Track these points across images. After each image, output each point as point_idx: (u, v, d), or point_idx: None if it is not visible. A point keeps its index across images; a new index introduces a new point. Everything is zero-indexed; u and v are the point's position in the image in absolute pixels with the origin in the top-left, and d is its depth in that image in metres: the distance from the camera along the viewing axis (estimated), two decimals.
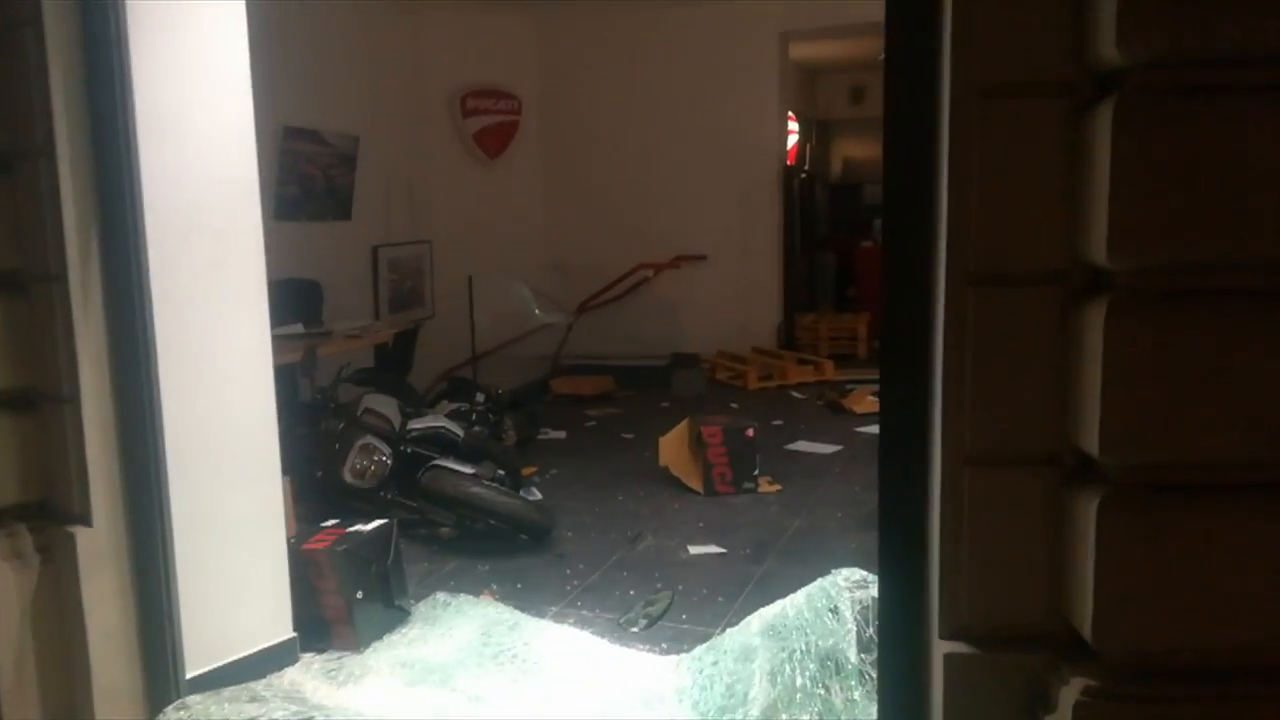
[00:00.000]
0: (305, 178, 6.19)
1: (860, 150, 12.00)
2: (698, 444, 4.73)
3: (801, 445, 5.52)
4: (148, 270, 2.64)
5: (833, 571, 2.39)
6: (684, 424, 4.90)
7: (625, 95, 8.31)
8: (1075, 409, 1.73)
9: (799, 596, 2.34)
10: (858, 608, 2.21)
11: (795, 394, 6.95)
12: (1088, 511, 1.68)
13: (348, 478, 4.14)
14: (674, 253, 8.18)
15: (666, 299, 8.18)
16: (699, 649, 2.81)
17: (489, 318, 7.46)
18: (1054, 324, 1.74)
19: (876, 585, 2.18)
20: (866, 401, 6.31)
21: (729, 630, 2.67)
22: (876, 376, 6.02)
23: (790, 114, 9.00)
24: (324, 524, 3.36)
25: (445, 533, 4.10)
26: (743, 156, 8.19)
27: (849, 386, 6.85)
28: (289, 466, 4.44)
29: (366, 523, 3.31)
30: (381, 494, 4.17)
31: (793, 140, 9.39)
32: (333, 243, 6.36)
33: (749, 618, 2.58)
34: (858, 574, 2.32)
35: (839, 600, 2.19)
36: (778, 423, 6.05)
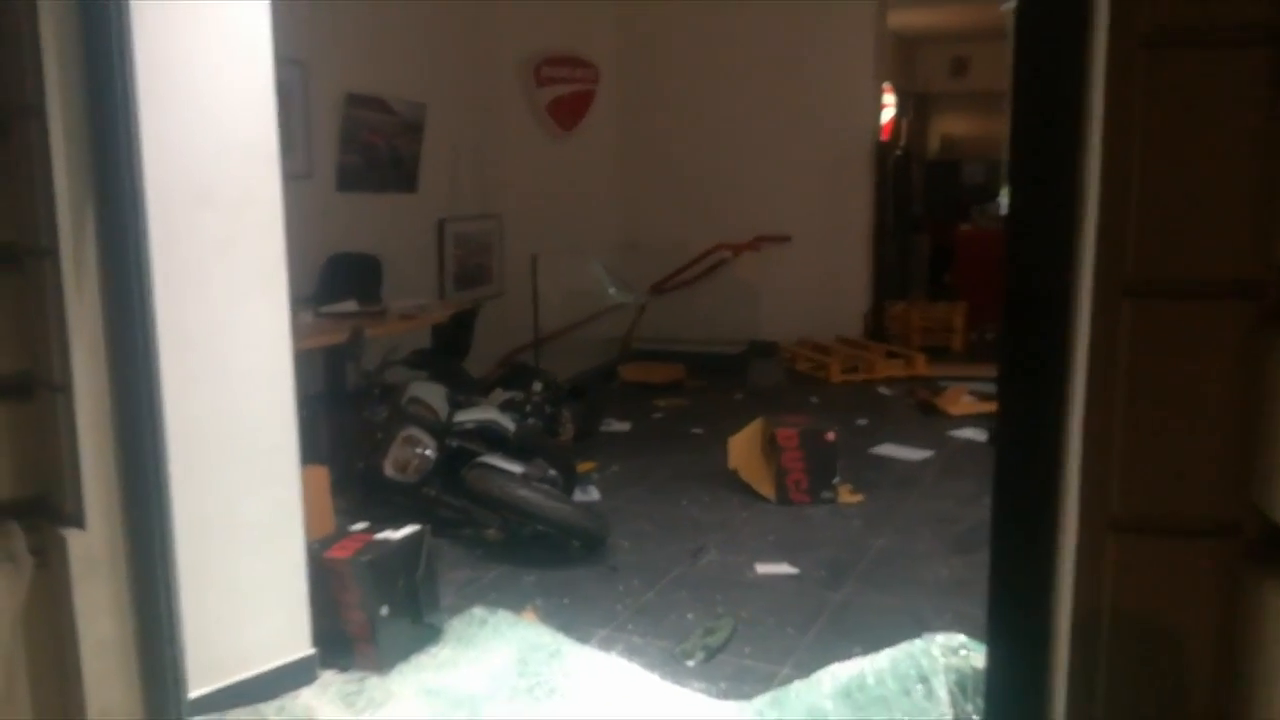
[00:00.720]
0: (368, 147, 5.92)
1: (960, 126, 11.30)
2: (771, 446, 4.31)
3: (888, 449, 5.05)
4: (147, 246, 2.34)
5: (925, 636, 1.96)
6: (757, 423, 4.48)
7: (707, 65, 7.85)
8: (1264, 464, 1.29)
9: (882, 660, 1.93)
10: (953, 679, 1.79)
11: (883, 390, 6.45)
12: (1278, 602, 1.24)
13: (389, 470, 3.85)
14: (755, 233, 7.71)
15: (746, 282, 7.72)
16: (761, 700, 2.41)
17: (557, 297, 7.13)
18: (1238, 350, 1.30)
19: (979, 657, 1.75)
20: (963, 402, 5.79)
21: (796, 684, 2.27)
22: (974, 373, 5.46)
23: (886, 86, 8.42)
24: (352, 528, 3.06)
25: (491, 535, 3.78)
26: (832, 130, 7.66)
27: (942, 384, 6.33)
28: (329, 455, 4.22)
29: (396, 528, 3.00)
30: (424, 490, 3.87)
31: (888, 114, 8.80)
32: (396, 216, 6.09)
33: (820, 674, 2.17)
34: (956, 639, 1.89)
35: (931, 673, 1.78)
36: (862, 422, 5.58)
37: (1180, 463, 1.30)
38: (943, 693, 1.74)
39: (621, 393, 6.36)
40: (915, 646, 1.90)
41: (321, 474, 3.60)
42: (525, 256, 7.08)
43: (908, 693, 1.81)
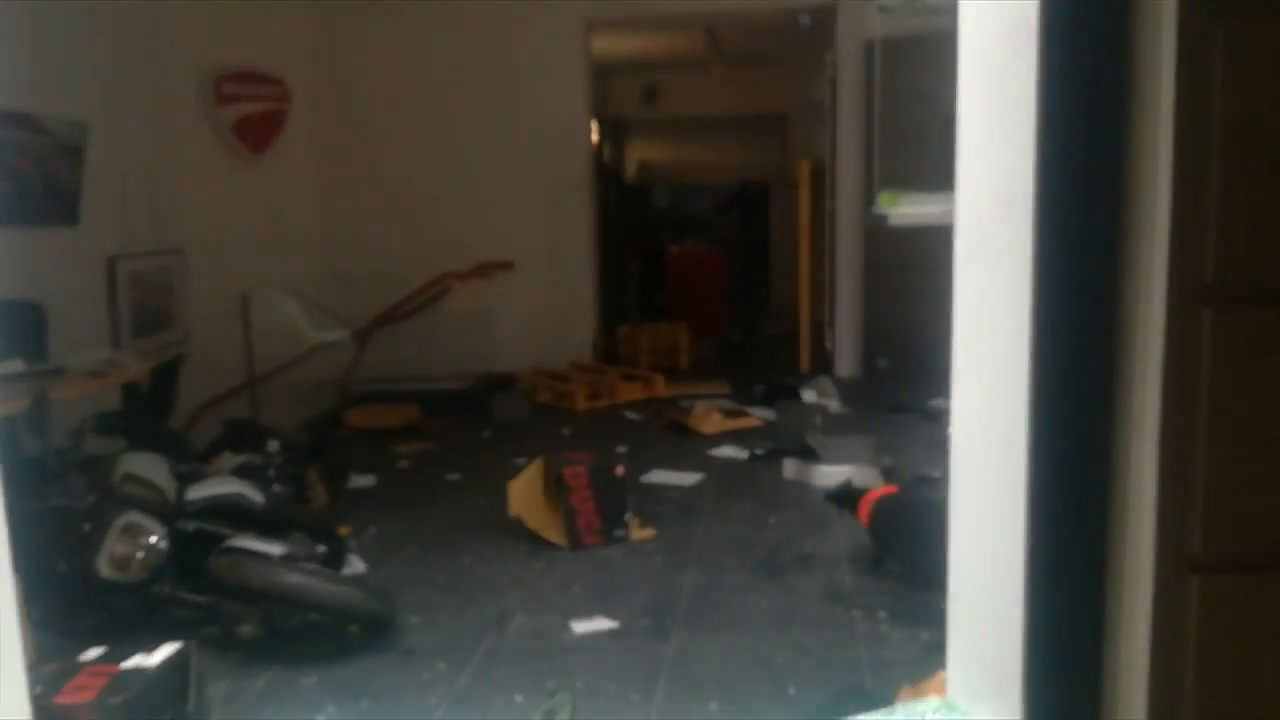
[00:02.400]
0: (17, 173, 4.85)
1: (655, 152, 11.61)
2: (557, 488, 3.97)
3: (658, 476, 4.88)
4: None
5: (897, 708, 1.71)
6: (536, 465, 4.12)
7: (413, 85, 7.36)
8: None
9: None
10: None
11: (630, 414, 6.31)
12: None
13: (105, 570, 3.05)
14: (474, 260, 7.30)
15: (470, 313, 7.29)
16: None
17: (256, 340, 6.32)
18: None
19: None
20: (713, 420, 5.77)
21: None
22: (708, 390, 5.45)
23: None
24: (83, 657, 2.33)
25: (246, 632, 3.09)
26: (550, 153, 7.48)
27: (684, 403, 6.30)
28: (13, 557, 3.30)
29: (148, 651, 2.32)
30: (155, 589, 3.11)
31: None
32: (56, 254, 5.03)
33: None
34: (933, 704, 1.65)
35: None
36: (621, 449, 5.37)
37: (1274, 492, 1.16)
38: None
39: (354, 442, 5.69)
40: (890, 719, 1.65)
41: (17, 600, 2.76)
42: (215, 295, 6.21)
43: None
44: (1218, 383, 1.14)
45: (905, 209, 2.77)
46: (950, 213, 1.69)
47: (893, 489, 3.42)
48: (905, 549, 3.30)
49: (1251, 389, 1.14)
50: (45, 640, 3.03)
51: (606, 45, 8.93)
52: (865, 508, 3.42)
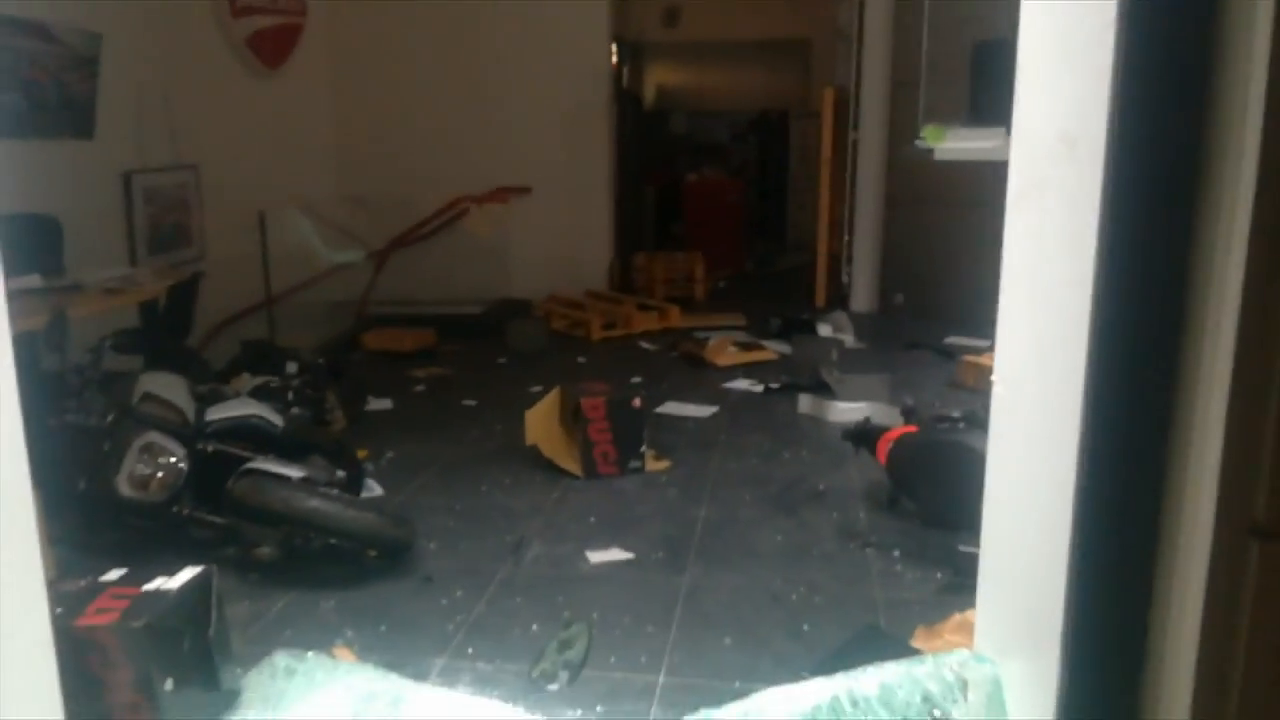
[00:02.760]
0: (30, 84, 4.75)
1: (674, 76, 11.35)
2: (574, 418, 3.96)
3: (672, 408, 4.87)
4: None
5: (926, 657, 1.68)
6: (554, 394, 4.10)
7: (432, 2, 7.17)
8: None
9: (867, 684, 1.64)
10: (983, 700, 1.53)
11: (645, 345, 6.28)
12: None
13: (125, 489, 3.06)
14: (491, 184, 7.22)
15: (485, 237, 7.21)
16: None
17: (272, 260, 6.27)
18: None
19: (998, 672, 1.53)
20: (729, 353, 5.74)
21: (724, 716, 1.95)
22: (722, 322, 5.41)
23: None
24: (104, 578, 2.34)
25: (264, 554, 3.10)
26: (568, 76, 7.33)
27: (701, 335, 6.26)
28: (33, 476, 3.31)
29: (169, 574, 2.32)
30: (173, 509, 3.13)
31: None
32: (72, 167, 4.97)
33: (759, 698, 1.87)
34: (958, 656, 1.63)
35: (945, 699, 1.53)
36: (636, 380, 5.36)
37: None
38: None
39: (370, 364, 5.69)
40: (915, 668, 1.64)
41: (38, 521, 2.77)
42: (231, 213, 6.13)
43: None
44: None
45: (951, 143, 2.68)
46: (1000, 149, 1.62)
47: (912, 429, 3.39)
48: (924, 489, 3.29)
49: None
50: (66, 556, 3.07)
51: None
52: (884, 447, 3.40)
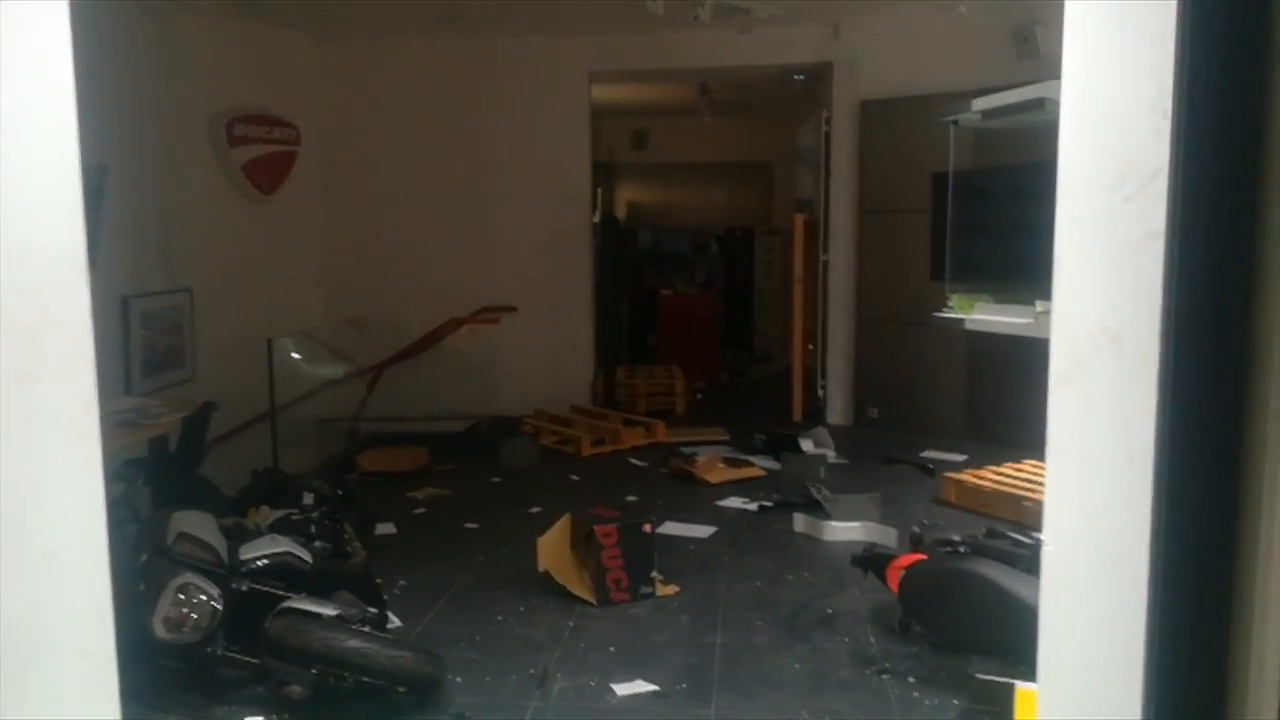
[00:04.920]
0: None
1: (643, 194, 11.80)
2: (587, 544, 4.07)
3: (672, 528, 4.98)
4: None
5: None
6: (564, 521, 4.21)
7: (420, 129, 7.48)
8: None
9: None
10: None
11: (634, 461, 6.42)
12: None
13: (160, 631, 3.09)
14: (477, 303, 7.43)
15: (472, 354, 7.39)
16: None
17: (263, 379, 6.36)
18: None
19: None
20: (719, 470, 5.90)
21: None
22: (707, 437, 5.57)
23: None
24: None
25: (296, 693, 3.14)
26: (552, 199, 7.62)
27: (688, 451, 6.42)
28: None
29: None
30: (208, 649, 3.16)
31: None
32: None
33: None
34: None
35: None
36: (631, 498, 5.49)
37: None
38: None
39: (367, 486, 5.74)
40: None
41: None
42: (221, 335, 6.23)
43: None
44: None
45: (981, 315, 2.92)
46: (1032, 327, 1.83)
47: (921, 556, 3.56)
48: (939, 617, 3.44)
49: None
50: None
51: (601, 92, 9.11)
52: (894, 575, 3.56)
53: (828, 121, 7.49)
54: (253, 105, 6.76)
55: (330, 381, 6.96)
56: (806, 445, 6.45)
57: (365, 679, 3.09)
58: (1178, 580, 1.42)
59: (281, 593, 3.24)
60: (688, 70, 8.02)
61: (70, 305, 2.00)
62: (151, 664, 3.19)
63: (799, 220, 7.77)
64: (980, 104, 2.96)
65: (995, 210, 4.11)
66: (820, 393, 7.68)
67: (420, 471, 6.00)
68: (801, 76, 8.18)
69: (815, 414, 7.64)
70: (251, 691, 3.23)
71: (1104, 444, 1.56)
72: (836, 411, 7.57)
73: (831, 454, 6.40)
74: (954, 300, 3.17)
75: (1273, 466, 1.30)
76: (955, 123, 3.47)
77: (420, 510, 5.37)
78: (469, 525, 5.08)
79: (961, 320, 3.09)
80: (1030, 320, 1.72)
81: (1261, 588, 1.34)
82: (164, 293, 6.03)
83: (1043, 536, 1.85)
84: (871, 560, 3.73)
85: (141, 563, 3.17)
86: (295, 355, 6.33)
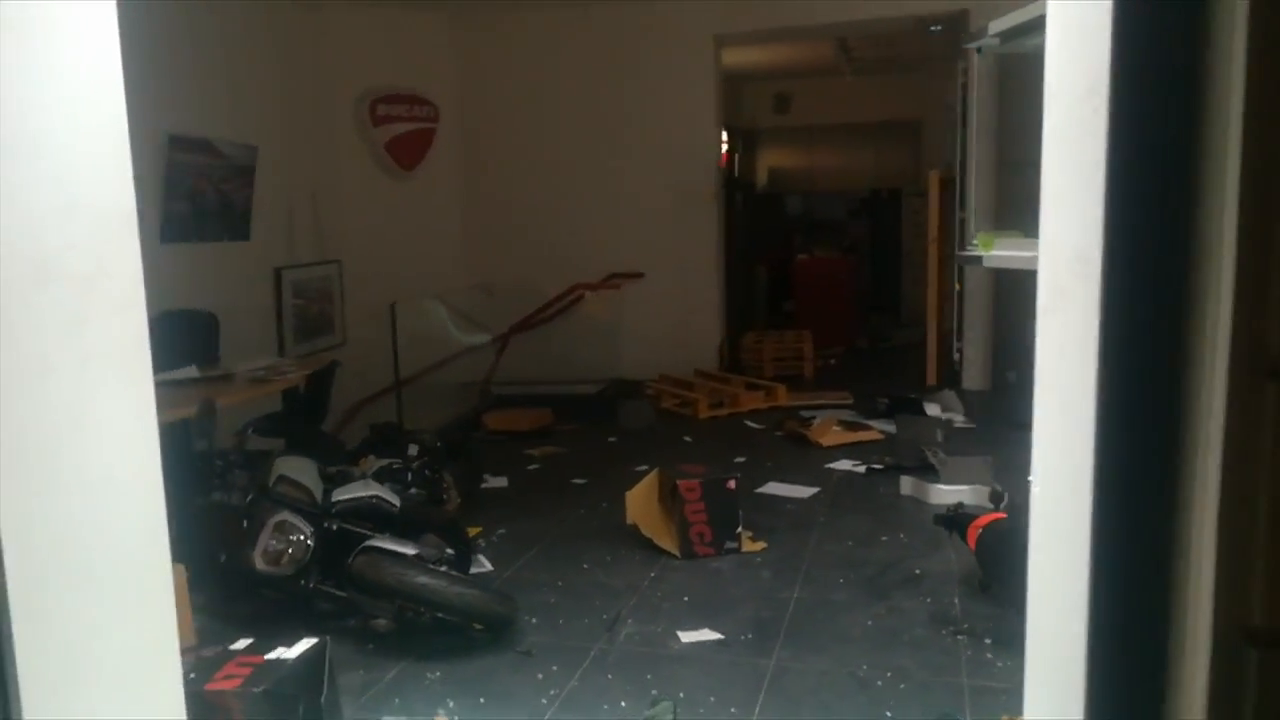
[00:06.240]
0: (195, 193, 5.35)
1: (785, 159, 11.61)
2: (672, 498, 4.12)
3: (774, 488, 4.97)
4: None
5: None
6: (653, 475, 4.28)
7: (551, 101, 7.67)
8: None
9: None
10: None
11: (750, 424, 6.41)
12: None
13: (259, 563, 3.39)
14: (606, 269, 7.58)
15: (600, 319, 7.55)
16: None
17: (405, 343, 6.73)
18: None
19: None
20: (833, 433, 5.81)
21: None
22: (829, 400, 5.45)
23: None
24: (233, 646, 2.62)
25: (381, 626, 3.37)
26: (679, 166, 7.64)
27: (806, 414, 6.34)
28: (181, 550, 3.68)
29: (289, 644, 2.59)
30: (301, 582, 3.43)
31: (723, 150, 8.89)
32: (229, 267, 5.54)
33: None
34: None
35: None
36: (740, 459, 5.49)
37: None
38: None
39: (489, 442, 6.01)
40: None
41: (177, 572, 3.12)
42: (369, 303, 6.63)
43: None
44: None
45: (1000, 252, 2.77)
46: (1036, 259, 1.73)
47: (1000, 515, 3.41)
48: (1010, 575, 3.29)
49: None
50: (205, 624, 3.40)
51: (738, 56, 9.03)
52: (973, 533, 3.43)
53: (964, 73, 7.14)
54: (394, 86, 7.13)
55: (470, 347, 7.29)
56: (932, 409, 6.24)
57: (440, 614, 3.27)
58: (1115, 529, 1.34)
59: (367, 532, 3.46)
60: (816, 27, 7.82)
61: (121, 257, 2.24)
62: (254, 595, 3.50)
63: (934, 177, 7.46)
64: (996, 26, 2.76)
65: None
66: (956, 356, 7.38)
67: (541, 431, 6.21)
68: (939, 28, 7.82)
69: (951, 378, 7.35)
70: (343, 624, 3.48)
71: (1079, 377, 1.49)
72: (973, 376, 7.25)
73: (959, 418, 6.17)
74: (979, 238, 3.00)
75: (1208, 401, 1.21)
76: (979, 50, 3.25)
77: (534, 466, 5.58)
78: (576, 481, 5.23)
79: (980, 259, 2.92)
80: (1036, 254, 1.61)
81: (1199, 513, 1.25)
82: (315, 264, 6.48)
83: (1031, 476, 1.78)
84: (955, 520, 3.60)
85: (247, 502, 3.47)
86: (437, 310, 6.65)
